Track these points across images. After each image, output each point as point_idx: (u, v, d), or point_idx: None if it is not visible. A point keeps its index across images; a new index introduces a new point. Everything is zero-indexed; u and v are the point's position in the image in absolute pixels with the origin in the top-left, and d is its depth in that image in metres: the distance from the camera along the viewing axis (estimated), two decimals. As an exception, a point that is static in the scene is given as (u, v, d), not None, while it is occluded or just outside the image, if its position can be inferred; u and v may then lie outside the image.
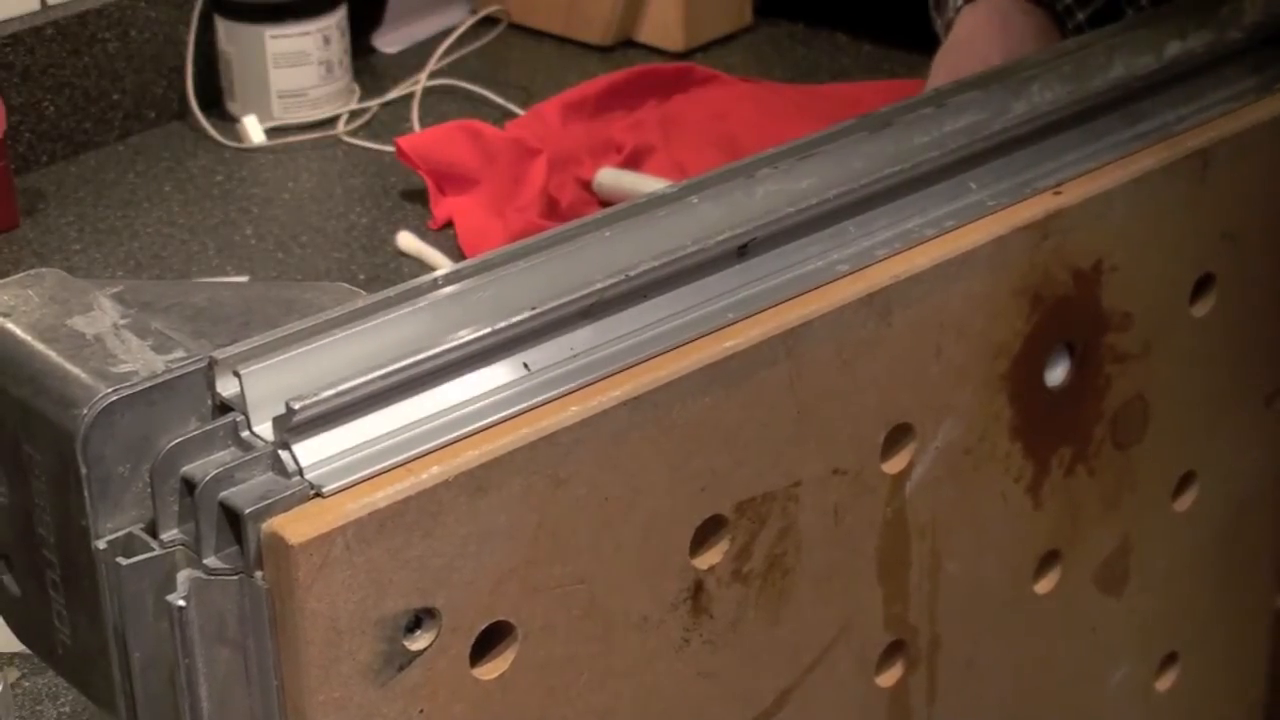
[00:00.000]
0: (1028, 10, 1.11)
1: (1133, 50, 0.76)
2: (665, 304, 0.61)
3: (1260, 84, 0.77)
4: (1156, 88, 0.75)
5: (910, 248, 0.66)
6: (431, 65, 1.65)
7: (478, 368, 0.57)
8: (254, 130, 1.56)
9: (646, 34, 1.69)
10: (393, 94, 1.62)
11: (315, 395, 0.54)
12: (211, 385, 0.55)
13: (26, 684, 0.98)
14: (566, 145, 1.45)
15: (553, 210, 1.38)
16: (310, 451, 0.54)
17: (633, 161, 1.44)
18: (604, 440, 0.58)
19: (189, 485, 0.54)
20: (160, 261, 1.38)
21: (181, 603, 0.52)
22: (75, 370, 0.55)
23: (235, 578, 0.53)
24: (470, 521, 0.55)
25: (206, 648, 0.53)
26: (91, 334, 0.57)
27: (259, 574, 0.53)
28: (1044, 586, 0.75)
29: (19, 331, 0.58)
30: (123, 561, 0.53)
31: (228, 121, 1.58)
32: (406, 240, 1.38)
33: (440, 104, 1.61)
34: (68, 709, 0.96)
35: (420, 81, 1.62)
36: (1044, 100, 0.72)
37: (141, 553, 0.54)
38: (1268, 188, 0.77)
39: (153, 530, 0.54)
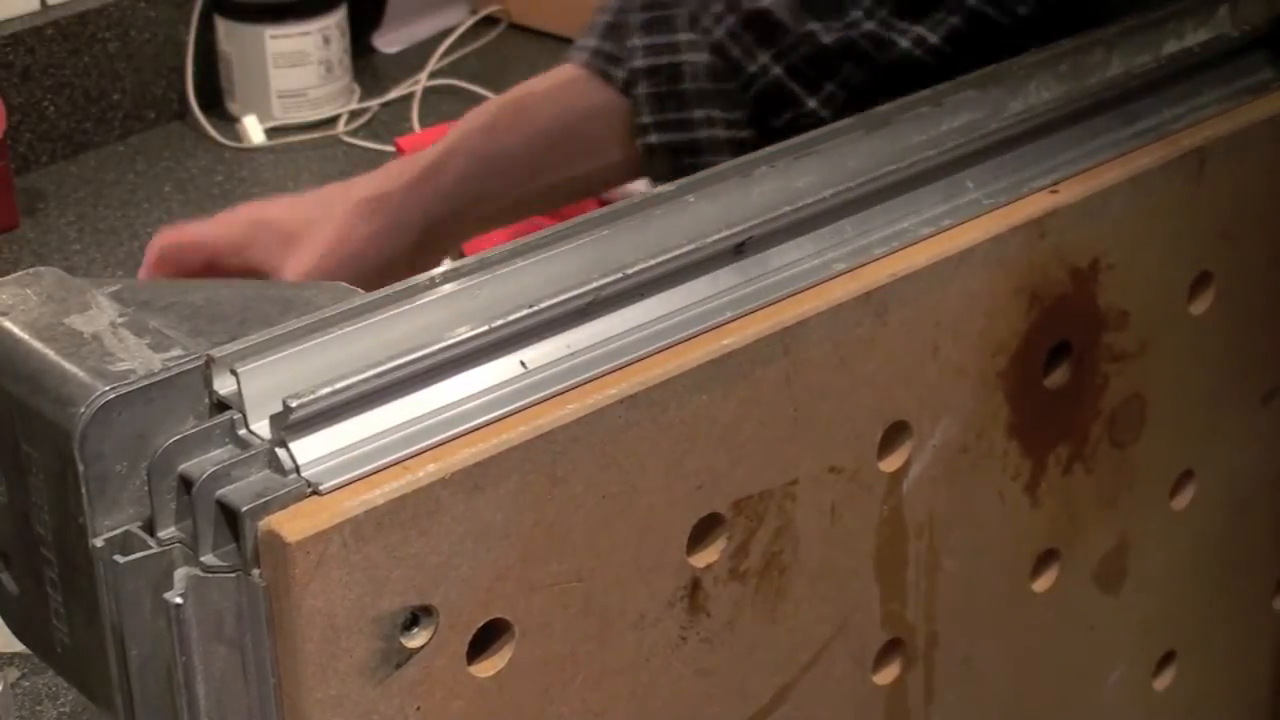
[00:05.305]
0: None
1: (1130, 49, 0.76)
2: (662, 302, 0.61)
3: (1258, 83, 0.77)
4: (1154, 86, 0.75)
5: (907, 246, 0.66)
6: (431, 65, 1.65)
7: (475, 366, 0.57)
8: (254, 130, 1.56)
9: (646, 34, 1.69)
10: (393, 94, 1.63)
11: (312, 393, 0.54)
12: (209, 383, 0.55)
13: (26, 684, 0.98)
14: (566, 145, 1.45)
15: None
16: (307, 449, 0.54)
17: (632, 161, 1.44)
18: (601, 438, 0.58)
19: (186, 483, 0.54)
20: (160, 261, 1.38)
21: (179, 600, 0.52)
22: (73, 368, 0.55)
23: (232, 575, 0.53)
24: (467, 519, 0.55)
25: (204, 645, 0.53)
26: (89, 332, 0.57)
27: (256, 572, 0.53)
28: (1041, 585, 0.75)
29: (16, 330, 0.58)
30: (120, 559, 0.53)
31: (228, 121, 1.58)
32: (406, 240, 1.38)
33: (440, 104, 1.61)
34: (68, 709, 0.96)
35: (420, 81, 1.62)
36: (1041, 99, 0.72)
37: (139, 550, 0.54)
38: (1265, 186, 0.77)
39: (150, 528, 0.54)
